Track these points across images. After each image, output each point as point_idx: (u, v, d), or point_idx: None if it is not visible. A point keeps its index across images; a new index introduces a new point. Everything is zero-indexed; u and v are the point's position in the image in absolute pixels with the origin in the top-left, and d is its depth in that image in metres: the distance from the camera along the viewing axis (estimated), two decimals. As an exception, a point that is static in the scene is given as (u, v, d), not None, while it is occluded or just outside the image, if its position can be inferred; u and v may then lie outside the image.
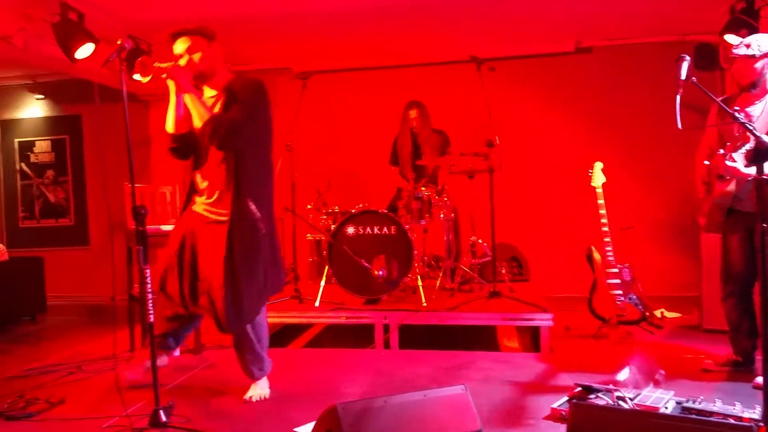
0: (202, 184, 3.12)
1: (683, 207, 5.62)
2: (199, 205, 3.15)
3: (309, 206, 4.96)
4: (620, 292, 4.21)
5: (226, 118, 2.90)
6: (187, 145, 3.10)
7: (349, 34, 5.37)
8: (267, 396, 3.20)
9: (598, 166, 4.44)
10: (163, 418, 2.69)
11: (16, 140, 6.90)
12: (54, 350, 4.81)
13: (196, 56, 3.00)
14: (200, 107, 2.93)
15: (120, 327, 4.24)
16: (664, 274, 5.73)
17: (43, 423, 2.97)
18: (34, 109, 6.90)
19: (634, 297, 4.20)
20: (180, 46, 3.01)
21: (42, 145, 6.85)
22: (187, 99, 2.95)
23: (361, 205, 4.63)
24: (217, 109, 3.01)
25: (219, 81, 3.08)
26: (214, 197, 3.07)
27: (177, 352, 3.49)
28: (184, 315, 3.19)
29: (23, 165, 6.89)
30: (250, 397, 3.16)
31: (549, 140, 6.13)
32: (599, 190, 4.36)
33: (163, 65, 2.89)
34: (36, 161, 6.86)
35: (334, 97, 6.40)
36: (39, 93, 6.78)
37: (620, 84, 5.99)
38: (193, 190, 3.20)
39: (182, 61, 2.97)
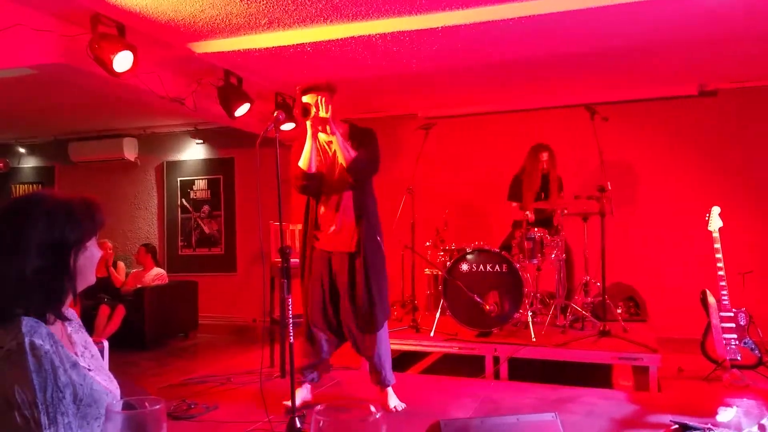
0: (326, 220, 3.64)
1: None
2: (325, 240, 3.66)
3: (427, 243, 5.37)
4: (734, 336, 4.20)
5: (366, 158, 3.49)
6: (315, 184, 3.63)
7: (470, 85, 5.74)
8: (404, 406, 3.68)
9: (716, 210, 4.48)
10: (299, 425, 3.18)
11: (179, 179, 7.95)
12: (206, 363, 5.57)
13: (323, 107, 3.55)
14: (346, 148, 3.50)
15: (261, 346, 4.85)
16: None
17: (202, 423, 3.58)
18: (194, 151, 7.92)
19: (750, 341, 4.17)
20: (309, 98, 3.56)
21: (200, 184, 7.85)
22: (335, 141, 3.51)
23: (475, 243, 4.96)
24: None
25: (334, 128, 3.59)
26: (342, 232, 3.60)
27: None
28: (325, 355, 3.75)
29: (183, 200, 7.92)
30: (395, 407, 3.65)
31: (666, 183, 6.09)
32: (716, 235, 4.40)
33: (322, 114, 3.47)
34: (194, 197, 7.86)
35: (453, 139, 6.69)
36: (199, 138, 7.80)
37: (746, 127, 5.85)
38: (315, 227, 3.70)
39: (322, 113, 3.52)
